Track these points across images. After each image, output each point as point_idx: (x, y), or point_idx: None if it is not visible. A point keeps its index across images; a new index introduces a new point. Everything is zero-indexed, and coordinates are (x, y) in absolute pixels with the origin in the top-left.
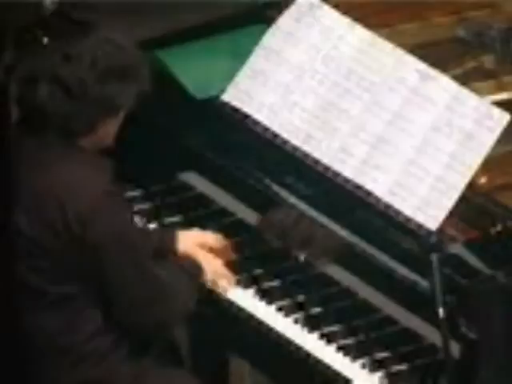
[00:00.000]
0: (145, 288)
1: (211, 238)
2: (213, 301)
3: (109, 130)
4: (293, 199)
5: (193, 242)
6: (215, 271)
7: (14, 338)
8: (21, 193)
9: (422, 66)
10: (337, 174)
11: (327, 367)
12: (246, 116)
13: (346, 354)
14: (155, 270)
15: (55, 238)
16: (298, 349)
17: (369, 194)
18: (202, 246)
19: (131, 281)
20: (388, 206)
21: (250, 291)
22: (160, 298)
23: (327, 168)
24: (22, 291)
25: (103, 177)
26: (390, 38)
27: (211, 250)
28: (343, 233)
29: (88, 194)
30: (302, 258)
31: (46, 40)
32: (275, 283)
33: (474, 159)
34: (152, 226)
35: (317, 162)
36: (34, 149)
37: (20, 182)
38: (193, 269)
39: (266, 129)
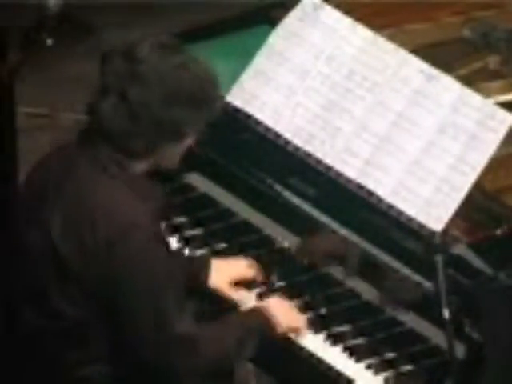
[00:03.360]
0: (157, 333)
1: (244, 268)
2: (214, 301)
3: (168, 155)
4: (296, 199)
5: (225, 275)
6: (289, 321)
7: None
8: (63, 206)
9: (426, 66)
10: (340, 175)
11: (330, 368)
12: (250, 116)
13: (351, 354)
14: (176, 317)
15: (82, 257)
16: (302, 349)
17: (372, 194)
18: (236, 277)
19: (143, 322)
20: (392, 207)
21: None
22: (176, 347)
23: (330, 168)
24: (44, 307)
25: (144, 207)
26: (395, 38)
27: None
28: (347, 233)
29: (121, 220)
30: (305, 260)
31: (50, 41)
32: (279, 284)
33: (478, 160)
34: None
35: (320, 162)
36: (86, 167)
37: (65, 197)
38: (255, 325)
39: (269, 129)
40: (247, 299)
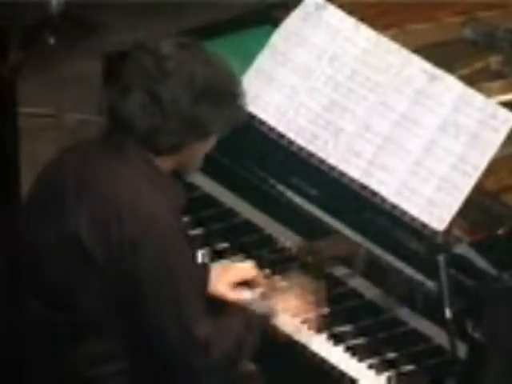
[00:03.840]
0: (178, 337)
1: (246, 270)
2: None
3: (193, 154)
4: (298, 199)
5: (227, 278)
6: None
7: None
8: (89, 201)
9: (428, 66)
10: (343, 175)
11: (333, 367)
12: (252, 116)
13: (353, 354)
14: (195, 322)
15: (108, 251)
16: (305, 349)
17: (375, 194)
18: (237, 280)
19: (165, 323)
20: (395, 207)
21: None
22: (194, 352)
23: (333, 168)
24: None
25: (168, 203)
26: (397, 38)
27: (247, 282)
28: (349, 233)
29: (146, 216)
30: (309, 260)
31: (52, 40)
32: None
33: (480, 160)
34: None
35: (323, 162)
36: (111, 161)
37: (90, 192)
38: (257, 321)
39: (272, 129)
40: (250, 299)
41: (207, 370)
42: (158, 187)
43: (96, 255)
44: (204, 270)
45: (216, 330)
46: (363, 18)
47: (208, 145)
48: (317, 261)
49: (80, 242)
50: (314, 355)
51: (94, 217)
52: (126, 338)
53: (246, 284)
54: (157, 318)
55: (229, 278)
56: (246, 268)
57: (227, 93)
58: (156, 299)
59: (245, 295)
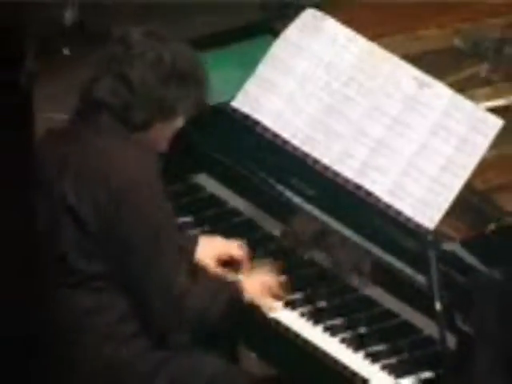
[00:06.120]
0: (157, 289)
1: (234, 248)
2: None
3: (162, 134)
4: (297, 199)
5: (214, 251)
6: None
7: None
8: (74, 171)
9: (419, 73)
10: (339, 176)
11: (332, 358)
12: (254, 121)
13: (348, 346)
14: (177, 276)
15: (96, 213)
16: (305, 343)
17: (369, 194)
18: (223, 255)
19: (147, 274)
20: (388, 206)
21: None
22: (176, 305)
23: (330, 170)
24: (62, 266)
25: (150, 162)
26: (389, 47)
27: (232, 260)
28: (344, 231)
29: (133, 172)
30: (306, 256)
31: (66, 50)
32: (282, 279)
33: (469, 162)
34: None
35: (321, 164)
36: (89, 137)
37: (76, 161)
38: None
39: (271, 132)
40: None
41: (182, 325)
42: (139, 150)
43: (87, 221)
44: (192, 239)
45: (193, 287)
46: (358, 27)
47: (174, 126)
48: (297, 246)
49: (71, 211)
50: (316, 348)
51: (81, 185)
52: (115, 292)
53: (230, 264)
54: (140, 271)
55: (214, 250)
56: (232, 245)
57: (193, 76)
58: (139, 251)
59: (228, 273)
